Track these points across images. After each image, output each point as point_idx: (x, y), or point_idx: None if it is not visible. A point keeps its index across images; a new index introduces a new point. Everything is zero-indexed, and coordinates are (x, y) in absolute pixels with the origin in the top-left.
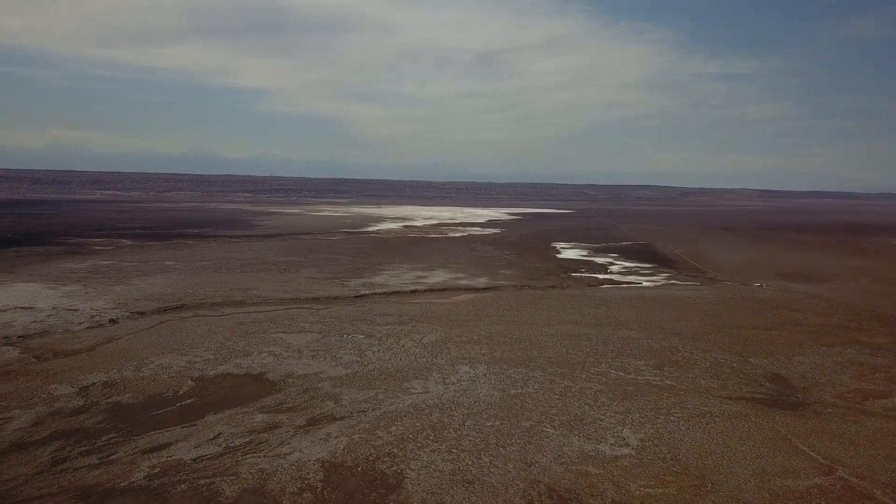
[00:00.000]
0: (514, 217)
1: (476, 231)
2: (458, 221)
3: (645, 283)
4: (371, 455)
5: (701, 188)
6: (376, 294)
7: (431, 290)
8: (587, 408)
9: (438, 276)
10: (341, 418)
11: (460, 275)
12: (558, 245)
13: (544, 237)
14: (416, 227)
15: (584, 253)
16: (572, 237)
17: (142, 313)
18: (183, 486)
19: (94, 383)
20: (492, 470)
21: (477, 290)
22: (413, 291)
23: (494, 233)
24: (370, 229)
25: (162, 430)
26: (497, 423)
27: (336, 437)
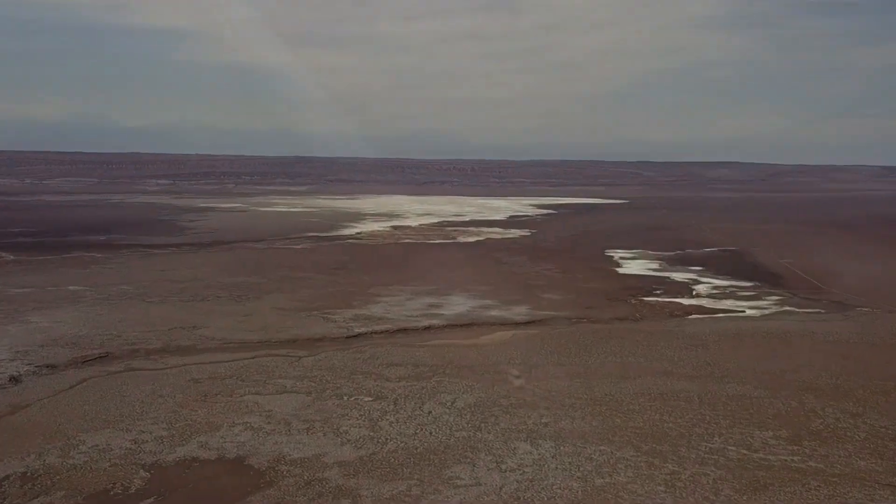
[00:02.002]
0: (544, 211)
1: (496, 233)
2: (467, 219)
3: (749, 312)
4: None
5: (800, 165)
6: (376, 333)
7: (452, 325)
8: None
9: (458, 304)
10: None
11: (488, 301)
12: (615, 254)
13: (592, 241)
14: (411, 228)
15: (655, 266)
16: (632, 241)
17: (53, 367)
18: None
19: (7, 476)
20: None
21: (516, 324)
22: (427, 328)
23: (522, 235)
24: (347, 232)
25: None
26: None
27: None
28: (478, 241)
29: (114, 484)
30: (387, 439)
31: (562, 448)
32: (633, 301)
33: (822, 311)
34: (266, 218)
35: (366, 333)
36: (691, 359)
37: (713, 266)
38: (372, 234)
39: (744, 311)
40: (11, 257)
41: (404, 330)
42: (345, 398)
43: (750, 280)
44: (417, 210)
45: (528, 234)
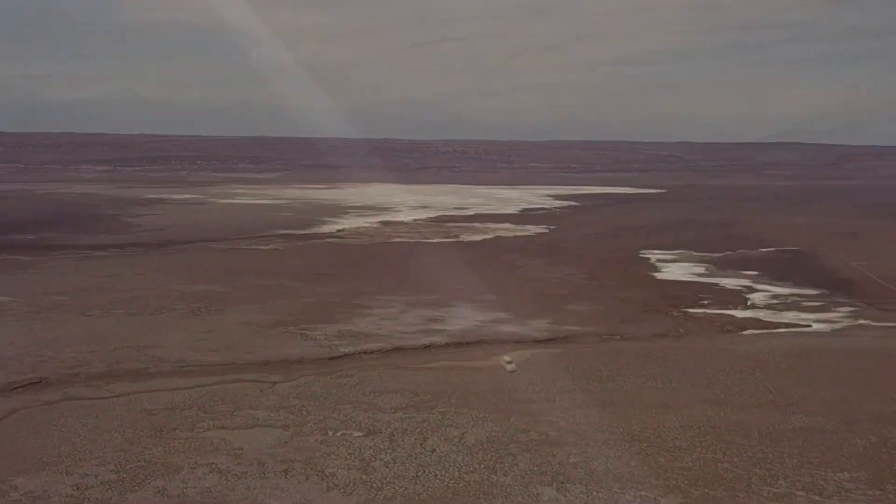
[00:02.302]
0: (565, 203)
1: (507, 230)
2: (472, 213)
3: (816, 327)
4: None
5: (874, 146)
6: (365, 353)
7: (457, 343)
8: None
9: (463, 318)
10: None
11: (500, 314)
12: (651, 255)
13: (624, 240)
14: (404, 224)
15: (700, 270)
16: (672, 239)
17: None
18: None
19: None
20: None
21: (535, 342)
22: (426, 347)
23: (539, 233)
24: (326, 230)
25: None
26: None
27: None
28: (485, 239)
29: None
30: (382, 483)
31: (594, 494)
32: (676, 313)
33: None
34: (228, 212)
35: (353, 354)
36: (748, 384)
37: (771, 270)
38: (357, 232)
39: (810, 326)
40: None
41: (399, 349)
42: (330, 433)
43: (816, 287)
44: (411, 202)
45: (546, 230)
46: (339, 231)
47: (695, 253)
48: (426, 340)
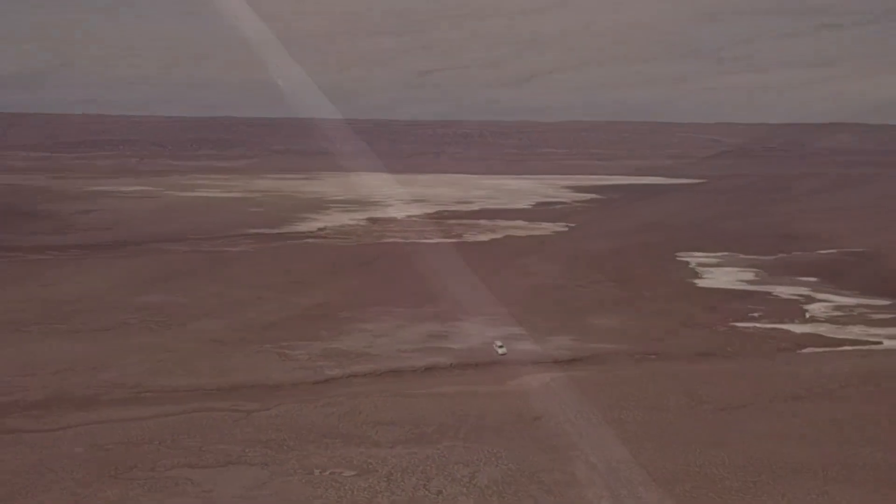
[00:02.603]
0: (586, 196)
1: (518, 228)
2: (476, 208)
3: (888, 343)
4: None
5: None
6: (356, 376)
7: (463, 364)
8: None
9: (470, 334)
10: None
11: (513, 329)
12: (691, 258)
13: (658, 240)
14: (396, 221)
15: (749, 276)
16: (714, 240)
17: None
18: None
19: None
20: None
21: (556, 363)
22: (428, 369)
23: (556, 232)
24: (304, 228)
25: None
26: None
27: None
28: (493, 239)
29: None
30: None
31: None
32: (722, 328)
33: None
34: (188, 208)
35: (342, 377)
36: (809, 413)
37: (831, 276)
38: (341, 231)
39: (880, 342)
40: None
41: (396, 372)
42: (316, 472)
43: (885, 296)
44: (403, 195)
45: (565, 229)
46: (319, 230)
47: (741, 255)
48: (428, 361)
